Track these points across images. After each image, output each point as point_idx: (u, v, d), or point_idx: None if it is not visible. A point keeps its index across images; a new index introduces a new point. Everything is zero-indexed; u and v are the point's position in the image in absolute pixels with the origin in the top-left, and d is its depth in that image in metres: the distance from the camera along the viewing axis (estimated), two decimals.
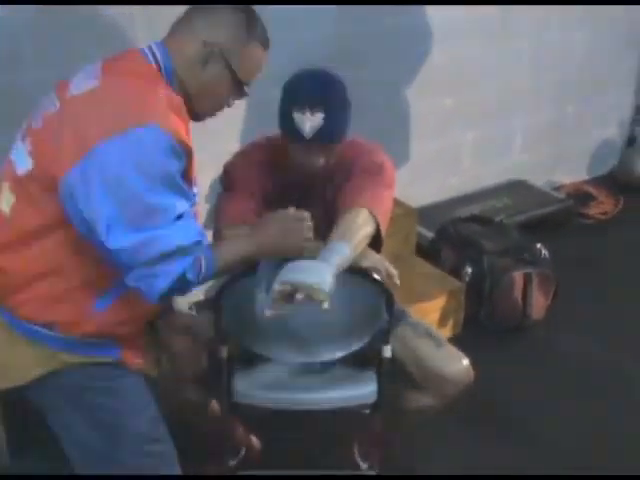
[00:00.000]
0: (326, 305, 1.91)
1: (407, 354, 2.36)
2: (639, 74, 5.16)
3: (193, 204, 1.82)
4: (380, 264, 2.20)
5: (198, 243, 1.77)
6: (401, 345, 2.35)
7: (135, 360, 1.99)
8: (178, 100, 1.79)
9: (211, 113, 1.96)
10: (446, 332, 3.38)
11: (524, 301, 3.55)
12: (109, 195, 1.66)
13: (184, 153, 1.75)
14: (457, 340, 2.47)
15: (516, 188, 4.69)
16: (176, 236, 1.72)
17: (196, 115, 1.92)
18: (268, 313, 1.95)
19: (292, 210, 1.99)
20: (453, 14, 4.00)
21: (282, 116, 2.24)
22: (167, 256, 1.72)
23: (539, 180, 4.86)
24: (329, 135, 2.21)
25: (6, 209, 1.83)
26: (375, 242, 2.21)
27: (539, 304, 3.60)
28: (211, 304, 2.27)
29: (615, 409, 3.12)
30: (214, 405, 2.51)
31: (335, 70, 2.30)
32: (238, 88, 1.91)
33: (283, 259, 2.00)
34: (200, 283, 1.82)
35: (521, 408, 3.13)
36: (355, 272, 2.09)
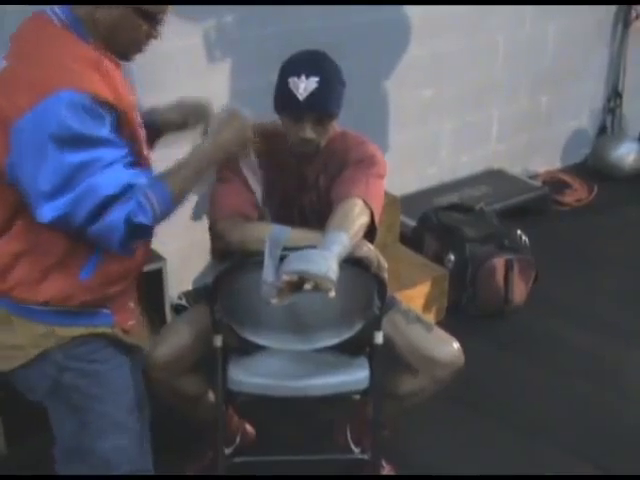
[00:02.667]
0: (332, 294, 1.92)
1: (399, 339, 2.41)
2: (610, 65, 5.26)
3: (126, 155, 1.80)
4: (372, 255, 2.23)
5: (131, 186, 1.75)
6: (392, 331, 2.39)
7: (128, 322, 2.02)
8: (92, 54, 1.78)
9: (135, 50, 1.92)
10: (430, 318, 3.42)
11: (506, 287, 3.63)
12: (35, 170, 1.69)
13: (107, 109, 1.74)
14: (441, 326, 2.51)
15: (494, 177, 4.77)
16: (103, 186, 1.71)
17: (122, 55, 1.90)
18: (274, 302, 1.96)
19: (224, 111, 2.07)
20: (431, 9, 4.08)
21: (278, 88, 2.29)
22: (102, 208, 1.72)
23: (515, 169, 4.95)
24: (323, 101, 2.23)
25: None
26: (369, 232, 2.25)
27: (520, 289, 3.68)
28: (206, 293, 2.31)
29: (598, 391, 3.20)
30: (209, 395, 2.54)
31: None
32: (147, 18, 1.84)
33: (286, 248, 2.02)
34: (163, 217, 1.84)
35: (505, 391, 3.20)
36: (349, 262, 2.11)
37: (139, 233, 1.81)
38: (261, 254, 2.07)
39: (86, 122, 1.69)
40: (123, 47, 1.87)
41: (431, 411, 2.79)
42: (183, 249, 3.54)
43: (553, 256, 4.11)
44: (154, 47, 3.25)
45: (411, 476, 2.74)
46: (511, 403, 3.14)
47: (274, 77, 2.34)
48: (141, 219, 1.77)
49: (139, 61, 3.13)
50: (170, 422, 2.56)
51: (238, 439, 2.73)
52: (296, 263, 1.93)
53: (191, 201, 3.42)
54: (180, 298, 3.50)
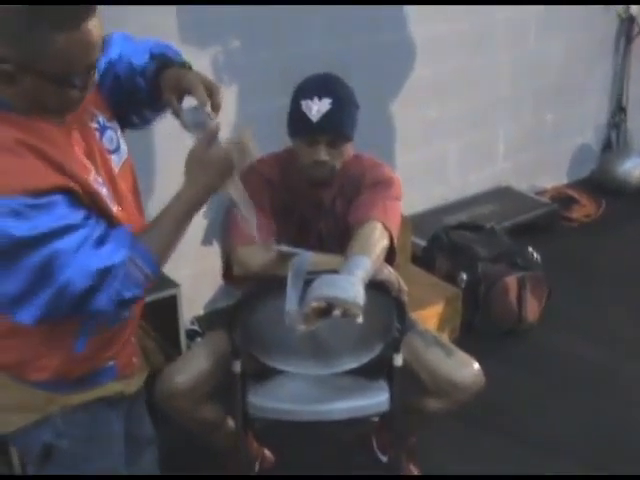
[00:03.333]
0: (360, 319, 1.91)
1: (417, 364, 2.40)
2: (613, 80, 5.27)
3: (90, 230, 1.59)
4: (393, 278, 2.24)
5: (106, 270, 1.58)
6: (411, 355, 2.38)
7: (132, 361, 1.94)
8: (16, 136, 1.53)
9: (64, 110, 1.63)
10: (444, 338, 3.42)
11: (519, 305, 3.62)
12: None
13: (54, 191, 1.53)
14: (455, 345, 2.51)
15: (501, 194, 4.77)
16: (74, 281, 1.56)
17: (59, 115, 1.63)
18: (301, 328, 1.94)
19: (198, 146, 1.70)
20: (433, 29, 4.10)
21: (291, 112, 2.29)
22: (83, 299, 1.58)
23: (522, 186, 4.95)
24: (336, 122, 2.23)
25: None
26: (388, 254, 2.25)
27: (533, 307, 3.67)
28: (223, 320, 2.30)
29: (613, 406, 3.18)
30: (229, 422, 2.54)
31: None
32: (65, 83, 1.56)
33: (310, 273, 2.00)
34: (151, 278, 1.66)
35: (521, 408, 3.19)
36: (369, 285, 2.08)
37: (132, 302, 1.69)
38: (281, 279, 2.06)
39: (31, 221, 1.49)
40: (52, 110, 1.61)
41: (446, 429, 2.80)
42: (194, 274, 3.54)
43: (564, 272, 4.10)
44: None
45: (423, 476, 2.74)
46: (527, 420, 3.12)
47: (279, 101, 2.35)
48: (131, 292, 1.63)
49: None
50: (189, 448, 2.54)
51: (257, 465, 2.71)
52: (325, 289, 1.92)
53: (201, 226, 3.43)
54: (193, 323, 3.49)
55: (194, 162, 1.69)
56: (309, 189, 2.38)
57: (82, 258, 1.56)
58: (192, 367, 2.37)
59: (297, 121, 2.27)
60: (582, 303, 3.92)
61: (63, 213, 1.55)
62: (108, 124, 1.78)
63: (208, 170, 1.68)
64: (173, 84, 1.78)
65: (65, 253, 1.54)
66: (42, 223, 1.51)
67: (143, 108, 1.91)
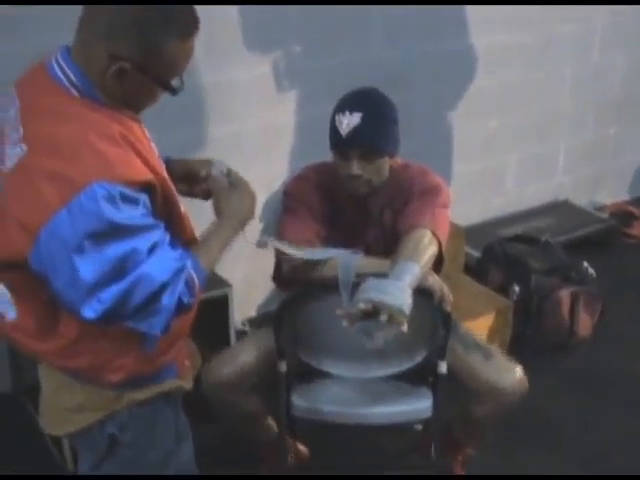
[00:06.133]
0: (405, 327, 1.92)
1: (458, 368, 2.40)
2: None
3: (164, 233, 1.69)
4: (437, 286, 2.24)
5: (181, 269, 1.68)
6: (451, 359, 2.37)
7: (185, 364, 1.98)
8: (117, 129, 1.62)
9: (150, 106, 1.76)
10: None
11: (571, 320, 3.58)
12: (73, 267, 1.55)
13: (142, 188, 1.62)
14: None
15: (559, 208, 4.72)
16: (155, 274, 1.62)
17: (137, 111, 1.74)
18: (345, 326, 1.95)
19: (228, 180, 1.93)
20: (496, 38, 4.09)
21: (329, 126, 2.33)
22: (155, 294, 1.63)
23: (581, 200, 4.89)
24: (366, 136, 2.25)
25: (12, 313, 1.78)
26: (436, 262, 2.25)
27: (585, 323, 3.63)
28: (271, 319, 2.34)
29: None
30: (269, 418, 2.58)
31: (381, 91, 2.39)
32: (167, 87, 1.69)
33: (359, 275, 2.02)
34: (199, 291, 1.75)
35: (570, 424, 3.16)
36: (415, 291, 2.07)
37: (182, 313, 1.73)
38: (327, 282, 2.08)
39: (124, 212, 1.57)
40: (137, 108, 1.73)
41: (494, 445, 2.77)
42: (248, 275, 3.58)
43: (620, 289, 4.04)
44: (222, 77, 3.36)
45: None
46: (576, 437, 3.09)
47: None
48: (189, 300, 1.71)
49: (207, 90, 3.26)
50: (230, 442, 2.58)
51: (292, 458, 2.73)
52: (374, 293, 1.93)
53: (257, 228, 3.47)
54: (244, 324, 3.53)
55: (231, 195, 1.90)
56: (356, 199, 2.41)
57: (160, 256, 1.64)
58: (238, 360, 2.43)
59: (331, 135, 2.32)
60: (637, 321, 3.86)
61: (145, 212, 1.63)
62: None
63: (244, 205, 1.90)
64: (180, 173, 1.98)
65: (142, 251, 1.60)
66: (133, 216, 1.59)
67: None
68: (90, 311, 1.59)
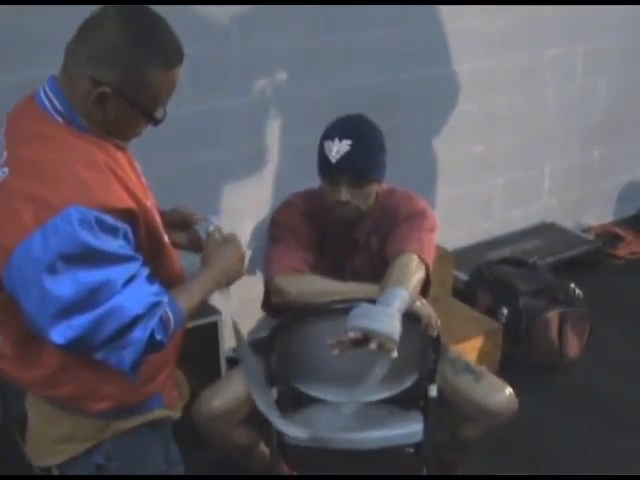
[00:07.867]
0: (395, 354, 1.93)
1: (448, 391, 2.41)
2: None
3: (142, 266, 1.67)
4: (425, 311, 2.24)
5: (156, 305, 1.65)
6: (441, 382, 2.39)
7: (173, 394, 1.98)
8: (101, 158, 1.63)
9: (134, 136, 1.77)
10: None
11: (560, 340, 3.60)
12: (43, 290, 1.54)
13: (123, 216, 1.61)
14: None
15: (546, 231, 4.76)
16: (128, 306, 1.60)
17: (122, 140, 1.74)
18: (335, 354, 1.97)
19: (222, 237, 1.94)
20: (481, 64, 4.14)
21: (317, 152, 2.34)
22: (127, 327, 1.61)
23: (567, 222, 4.93)
24: (355, 164, 2.27)
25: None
26: (423, 286, 2.26)
27: (574, 343, 3.64)
28: (261, 346, 2.35)
29: None
30: (262, 445, 2.57)
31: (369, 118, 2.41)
32: (150, 116, 1.70)
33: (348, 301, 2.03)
34: (171, 338, 1.72)
35: (561, 445, 3.16)
36: (404, 317, 2.07)
37: (154, 350, 1.69)
38: (316, 308, 2.09)
39: (100, 238, 1.56)
40: (121, 136, 1.73)
41: (484, 464, 2.77)
42: (238, 303, 3.58)
43: (607, 310, 4.06)
44: (209, 104, 3.37)
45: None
46: (567, 457, 3.09)
47: None
48: (161, 337, 1.67)
49: (195, 118, 3.27)
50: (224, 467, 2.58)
51: None
52: (363, 320, 1.94)
53: (246, 256, 3.48)
54: (234, 351, 3.52)
55: (219, 248, 1.90)
56: (343, 226, 2.42)
57: (135, 288, 1.62)
58: (228, 392, 2.42)
59: (320, 161, 2.33)
60: (625, 341, 3.88)
61: (123, 243, 1.62)
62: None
63: (231, 259, 1.89)
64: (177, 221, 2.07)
65: (116, 283, 1.59)
66: (109, 244, 1.58)
67: None
68: (59, 336, 1.58)
